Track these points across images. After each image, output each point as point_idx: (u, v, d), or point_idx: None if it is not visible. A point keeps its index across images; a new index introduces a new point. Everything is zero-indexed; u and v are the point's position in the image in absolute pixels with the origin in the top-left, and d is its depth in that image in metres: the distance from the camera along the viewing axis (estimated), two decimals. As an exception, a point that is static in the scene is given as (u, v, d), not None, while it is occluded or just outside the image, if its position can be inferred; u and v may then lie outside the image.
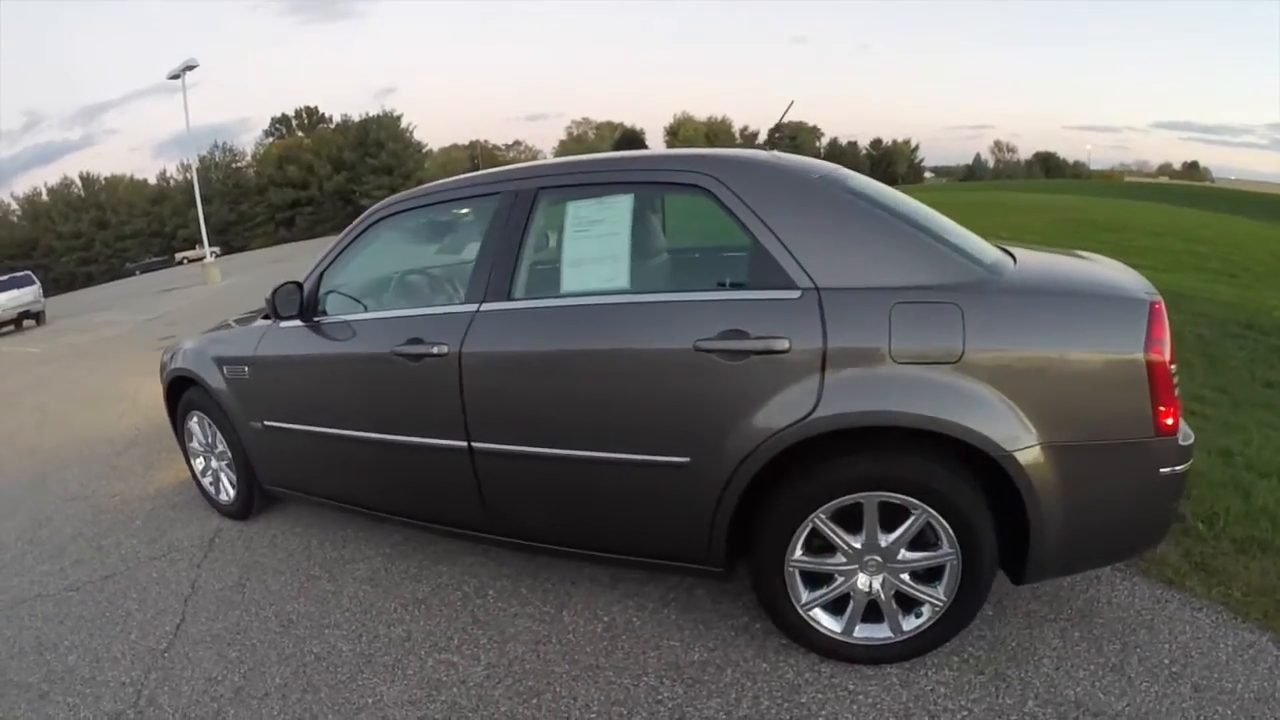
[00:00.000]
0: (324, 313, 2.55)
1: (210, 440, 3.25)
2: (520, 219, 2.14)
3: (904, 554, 1.82)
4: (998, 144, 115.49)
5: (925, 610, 1.87)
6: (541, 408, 2.06)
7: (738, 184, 1.91)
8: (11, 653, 2.48)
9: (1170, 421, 1.66)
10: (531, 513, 2.20)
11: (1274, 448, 3.23)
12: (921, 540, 1.81)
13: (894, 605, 1.88)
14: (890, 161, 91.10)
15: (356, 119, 65.21)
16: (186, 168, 61.26)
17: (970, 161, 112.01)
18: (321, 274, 2.56)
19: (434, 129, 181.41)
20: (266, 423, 2.79)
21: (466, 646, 2.17)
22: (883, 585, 1.87)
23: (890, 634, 1.90)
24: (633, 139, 79.29)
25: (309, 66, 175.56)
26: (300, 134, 68.33)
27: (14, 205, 61.68)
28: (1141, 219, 20.28)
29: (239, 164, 66.66)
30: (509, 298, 2.10)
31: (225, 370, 2.92)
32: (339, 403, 2.51)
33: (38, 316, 19.07)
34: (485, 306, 2.11)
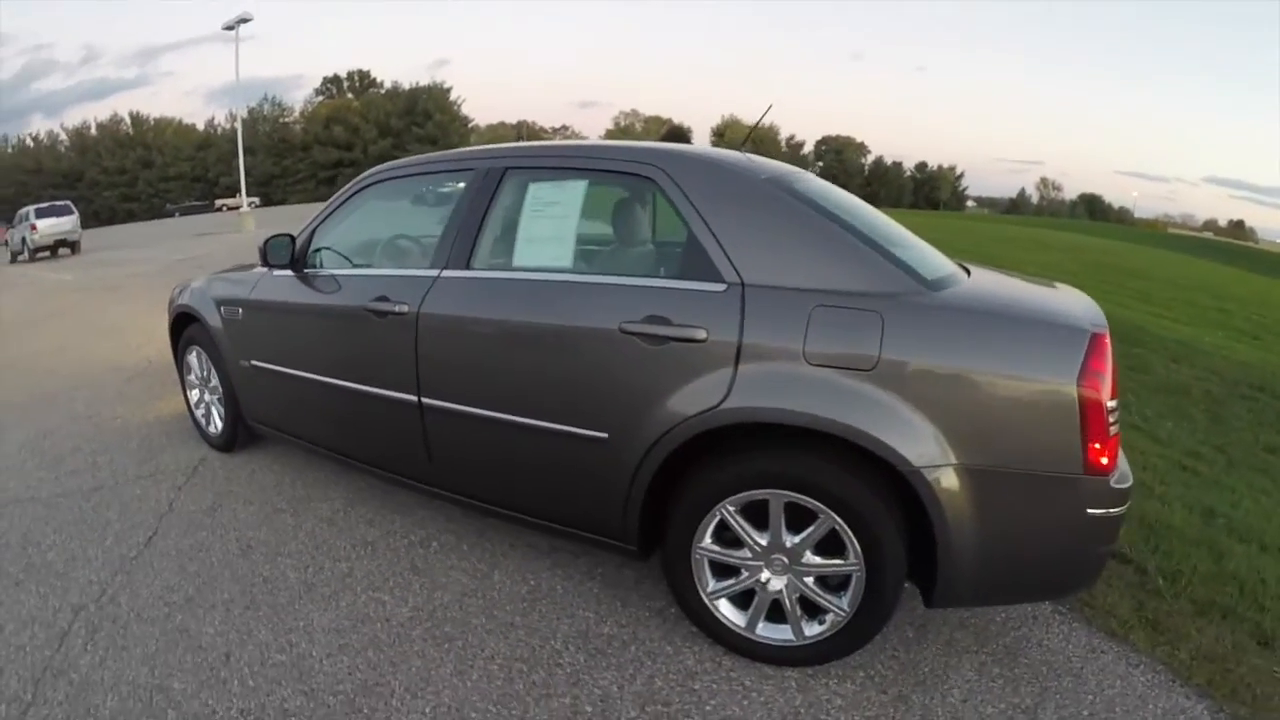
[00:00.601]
0: (313, 266, 2.76)
1: (205, 375, 3.50)
2: (486, 195, 2.30)
3: (809, 558, 1.84)
4: (1044, 181, 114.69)
5: (828, 619, 1.87)
6: (483, 371, 2.22)
7: (682, 178, 2.00)
8: (-2, 544, 2.75)
9: (1104, 461, 1.61)
10: (469, 470, 2.36)
11: (1261, 513, 3.19)
12: (831, 548, 1.80)
13: (797, 609, 1.89)
14: (933, 186, 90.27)
15: (407, 87, 66.11)
16: (234, 117, 62.59)
17: (1015, 195, 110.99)
18: (314, 230, 2.77)
19: (484, 105, 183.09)
20: (253, 362, 3.02)
21: (399, 589, 2.36)
22: (787, 586, 1.89)
23: (792, 637, 1.92)
24: (678, 136, 79.34)
25: (368, 31, 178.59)
26: (350, 96, 69.43)
27: (63, 136, 63.50)
28: (1174, 271, 19.98)
29: (286, 119, 67.92)
30: (468, 266, 2.26)
31: (222, 310, 3.16)
32: (315, 349, 2.72)
33: (73, 245, 19.80)
34: (446, 273, 2.28)
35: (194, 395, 3.67)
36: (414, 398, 2.32)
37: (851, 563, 1.78)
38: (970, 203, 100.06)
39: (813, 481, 1.76)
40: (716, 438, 1.84)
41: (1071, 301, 2.00)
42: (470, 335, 2.24)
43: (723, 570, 1.97)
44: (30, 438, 3.96)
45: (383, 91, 68.02)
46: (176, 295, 3.63)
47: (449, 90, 64.62)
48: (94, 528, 2.85)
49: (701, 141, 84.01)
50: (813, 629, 1.90)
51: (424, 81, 66.89)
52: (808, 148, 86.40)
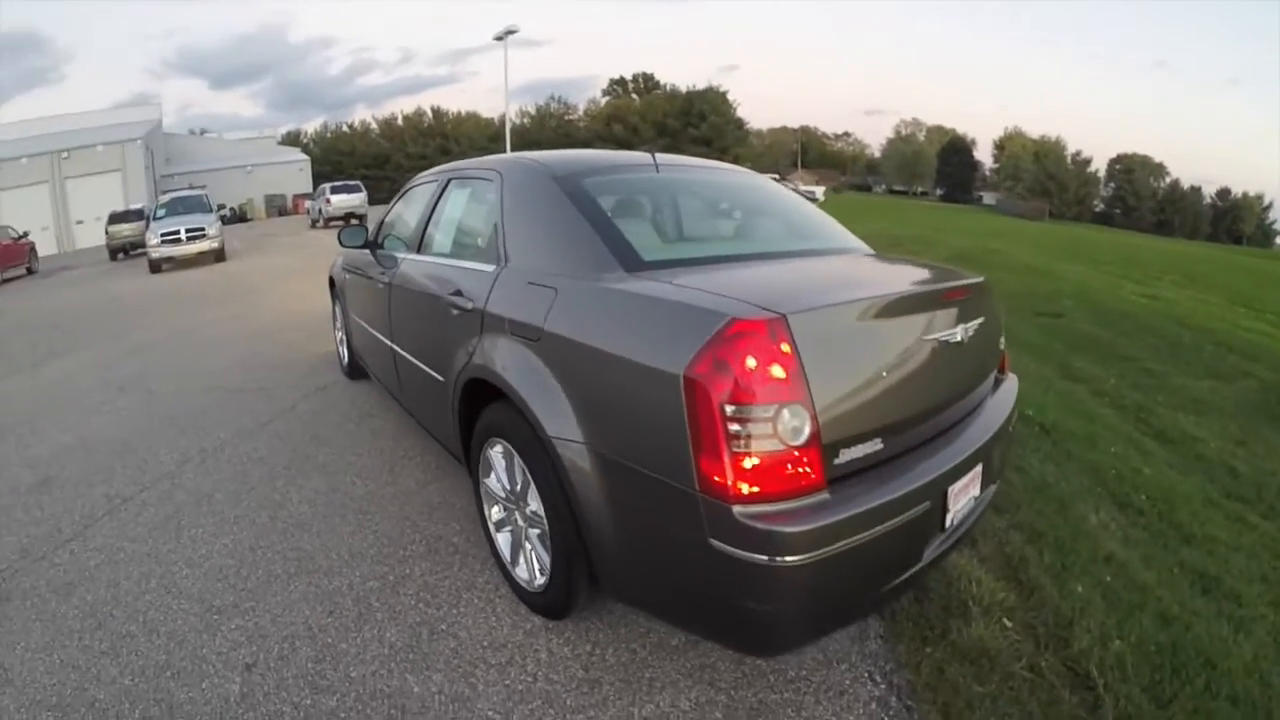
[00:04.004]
0: (380, 246, 4.16)
1: (341, 322, 5.17)
2: (435, 198, 3.19)
3: (529, 507, 2.14)
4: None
5: (547, 570, 2.13)
6: (408, 327, 3.17)
7: (506, 180, 2.52)
8: (173, 415, 4.60)
9: (718, 480, 1.46)
10: (410, 399, 3.43)
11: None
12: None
13: (532, 555, 2.22)
14: (1236, 218, 74.06)
15: (685, 90, 70.71)
16: (525, 113, 72.22)
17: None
18: (383, 220, 4.17)
19: (769, 109, 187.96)
20: (351, 313, 4.56)
21: (350, 453, 3.63)
22: (525, 532, 2.24)
23: (527, 579, 2.26)
24: (959, 148, 74.91)
25: (662, 36, 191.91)
26: (634, 97, 76.06)
27: (374, 125, 77.85)
28: None
29: (571, 117, 76.34)
30: (418, 251, 3.21)
31: (347, 275, 4.75)
32: (365, 305, 4.12)
33: (361, 218, 24.98)
34: (408, 255, 3.36)
35: (338, 336, 5.39)
36: (389, 343, 3.57)
37: (540, 515, 2.05)
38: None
39: (511, 434, 2.12)
40: (490, 389, 2.24)
41: (822, 279, 2.09)
42: (405, 302, 3.21)
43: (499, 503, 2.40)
44: (243, 355, 6.10)
45: (661, 93, 73.38)
46: (333, 265, 5.37)
47: (725, 93, 67.82)
48: (244, 410, 4.59)
49: (983, 153, 78.37)
50: (537, 580, 2.20)
51: (714, 84, 70.98)
52: (1096, 165, 75.77)
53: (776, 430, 1.47)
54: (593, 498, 1.79)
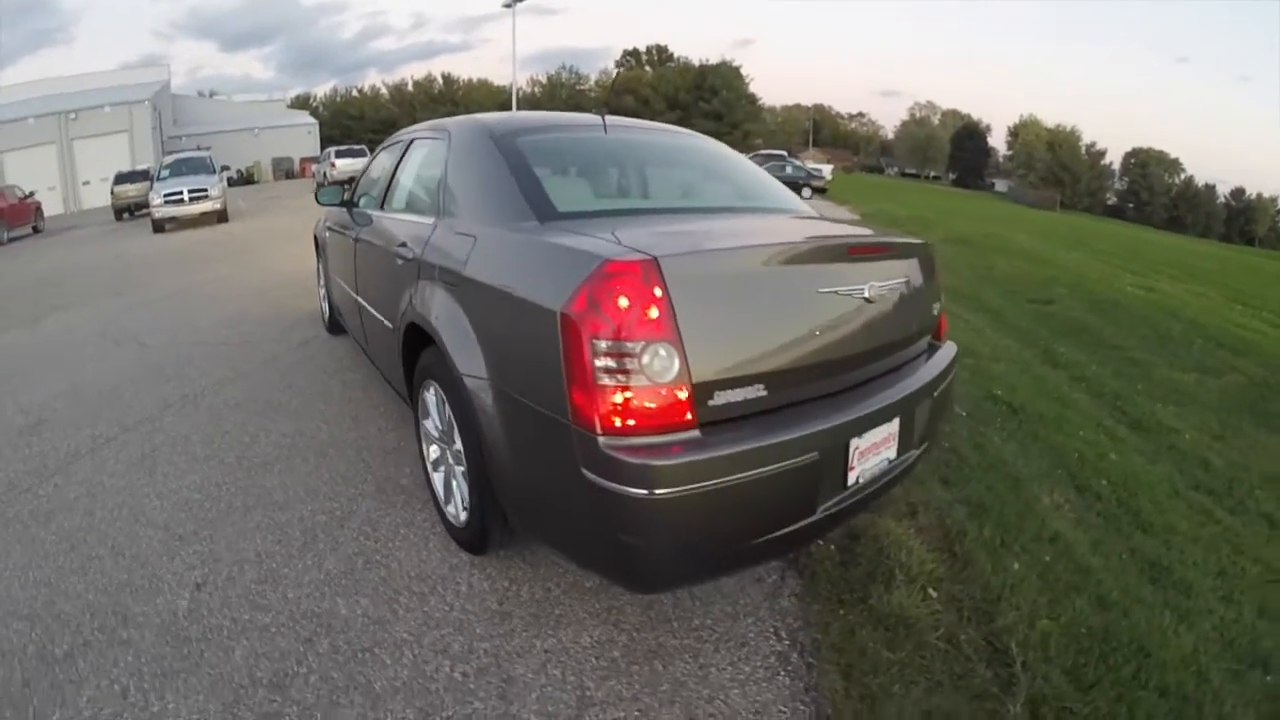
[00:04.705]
0: (355, 204, 4.31)
1: (323, 279, 5.37)
2: (399, 157, 3.33)
3: (456, 445, 2.24)
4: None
5: (467, 509, 2.28)
6: (368, 279, 3.37)
7: (453, 137, 2.66)
8: (161, 365, 4.84)
9: (589, 413, 1.56)
10: (371, 347, 3.59)
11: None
12: None
13: (457, 492, 2.34)
14: (1250, 219, 73.11)
15: (698, 64, 69.97)
16: (536, 83, 71.69)
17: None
18: (358, 179, 4.33)
19: (783, 86, 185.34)
20: (330, 270, 4.75)
21: (320, 401, 3.84)
22: (453, 470, 2.34)
23: (454, 515, 2.39)
24: (973, 133, 74.05)
25: (676, 7, 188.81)
26: (647, 69, 75.31)
27: (384, 90, 77.51)
28: None
29: (582, 87, 75.72)
30: (382, 208, 3.36)
31: (327, 234, 4.94)
32: (339, 261, 4.29)
33: (367, 183, 25.27)
34: (374, 212, 3.52)
35: (320, 293, 5.59)
36: (356, 296, 3.75)
37: (459, 450, 2.19)
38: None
39: (439, 376, 2.24)
40: (425, 334, 2.37)
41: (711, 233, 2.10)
42: (367, 255, 3.38)
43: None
44: (233, 314, 6.32)
45: (674, 66, 72.65)
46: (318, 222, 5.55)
47: (738, 68, 67.08)
48: (226, 361, 4.82)
49: (997, 139, 77.46)
50: (462, 515, 2.34)
51: (727, 58, 70.18)
52: (1110, 158, 74.64)
53: (643, 367, 1.55)
54: (494, 433, 1.93)
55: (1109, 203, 71.50)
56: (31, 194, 20.04)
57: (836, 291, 1.92)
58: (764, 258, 1.85)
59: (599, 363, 1.55)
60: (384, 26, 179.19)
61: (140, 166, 22.81)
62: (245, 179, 37.07)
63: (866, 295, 1.98)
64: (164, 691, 1.85)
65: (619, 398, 1.56)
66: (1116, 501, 3.23)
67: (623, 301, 1.55)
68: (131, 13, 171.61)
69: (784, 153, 32.16)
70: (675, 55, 75.09)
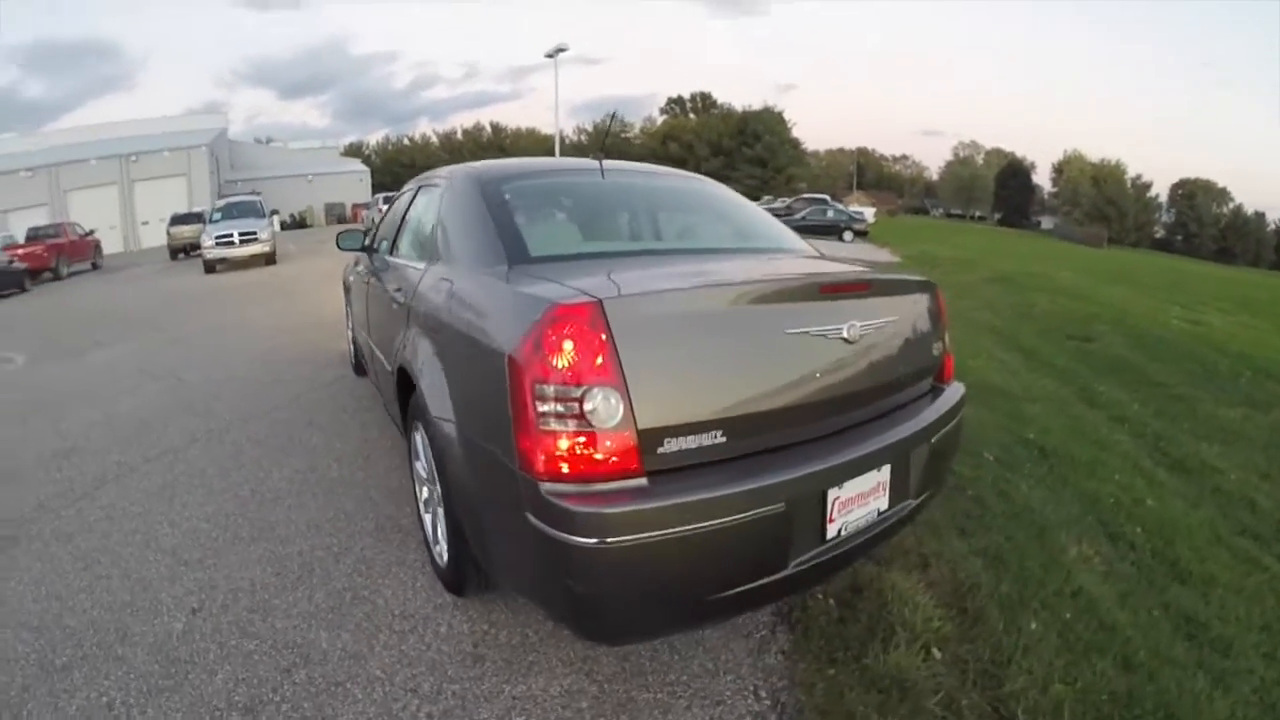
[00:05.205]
0: (374, 249, 4.51)
1: (349, 321, 5.60)
2: (408, 204, 3.43)
3: (438, 487, 2.23)
4: None
5: (448, 549, 2.31)
6: (376, 322, 3.56)
7: (449, 185, 2.72)
8: (192, 400, 5.08)
9: (533, 458, 1.57)
10: (380, 386, 3.69)
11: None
12: None
13: (442, 532, 2.34)
14: None
15: (740, 110, 71.31)
16: (581, 130, 73.63)
17: None
18: (379, 225, 4.55)
19: (826, 130, 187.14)
20: (353, 312, 4.97)
21: (337, 439, 3.99)
22: (438, 510, 2.33)
23: (439, 556, 2.41)
24: (1017, 171, 73.63)
25: (719, 55, 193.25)
26: (692, 116, 76.92)
27: (434, 138, 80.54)
28: None
29: (626, 134, 77.51)
30: (391, 253, 3.49)
31: (351, 277, 5.17)
32: (359, 303, 4.49)
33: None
34: (385, 257, 3.65)
35: (348, 335, 5.82)
36: (368, 337, 3.92)
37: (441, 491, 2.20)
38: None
39: (423, 418, 2.26)
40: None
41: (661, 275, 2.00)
42: (375, 299, 3.59)
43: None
44: (267, 351, 6.63)
45: (717, 113, 74.07)
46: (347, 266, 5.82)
47: (780, 113, 68.09)
48: (254, 398, 5.05)
49: (1042, 176, 76.71)
50: (445, 556, 2.36)
51: (770, 104, 71.51)
52: (1157, 189, 72.67)
53: (586, 412, 1.54)
54: (460, 476, 1.96)
55: (1156, 236, 69.69)
56: (91, 232, 21.18)
57: (808, 332, 1.86)
58: (723, 297, 1.81)
59: (542, 407, 1.55)
60: (434, 76, 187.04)
61: (195, 209, 23.94)
62: (298, 223, 38.52)
63: (845, 336, 1.92)
64: (146, 707, 1.96)
65: (563, 444, 1.55)
66: (1151, 551, 3.02)
67: (566, 345, 1.55)
68: (193, 61, 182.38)
69: (825, 197, 32.35)
70: (719, 102, 76.66)
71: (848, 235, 26.27)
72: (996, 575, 2.62)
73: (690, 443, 1.65)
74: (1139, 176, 72.40)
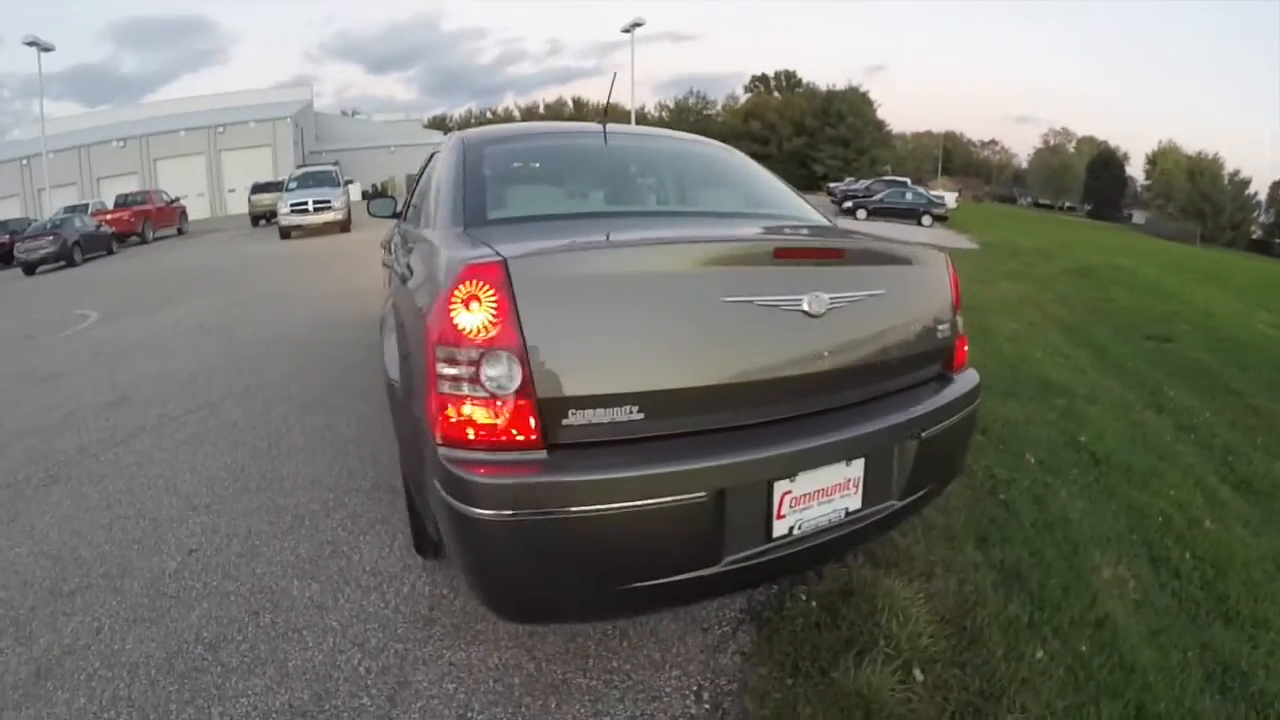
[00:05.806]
0: (403, 216, 4.66)
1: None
2: (422, 171, 3.50)
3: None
4: None
5: None
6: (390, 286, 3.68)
7: (443, 150, 2.71)
8: (239, 356, 5.37)
9: (434, 421, 1.53)
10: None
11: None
12: None
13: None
14: None
15: (824, 89, 69.66)
16: (664, 107, 73.30)
17: None
18: (410, 193, 4.70)
19: (914, 112, 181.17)
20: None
21: (359, 399, 4.17)
22: None
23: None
24: (1109, 161, 69.52)
25: (810, 34, 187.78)
26: (776, 94, 75.57)
27: (516, 113, 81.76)
28: None
29: (709, 112, 76.80)
30: (405, 220, 3.59)
31: (386, 249, 5.37)
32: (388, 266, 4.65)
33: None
34: (402, 223, 3.77)
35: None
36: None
37: None
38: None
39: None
40: None
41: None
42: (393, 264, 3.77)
43: None
44: (321, 311, 6.96)
45: (802, 91, 72.57)
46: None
47: (865, 93, 66.26)
48: (296, 358, 5.34)
49: (1135, 168, 72.74)
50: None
51: (854, 84, 69.63)
52: (1255, 187, 66.32)
53: (479, 376, 1.46)
54: (403, 435, 1.99)
55: (1254, 236, 64.41)
56: (177, 199, 22.45)
57: (752, 302, 1.66)
58: (648, 259, 1.69)
59: (443, 370, 1.50)
60: (520, 52, 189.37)
61: (278, 179, 25.05)
62: (380, 193, 39.73)
63: (806, 309, 1.71)
64: (128, 634, 2.15)
65: (464, 409, 1.48)
66: (1199, 581, 2.63)
67: (468, 306, 1.48)
68: (285, 35, 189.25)
69: (905, 180, 31.53)
70: (804, 81, 75.05)
71: (926, 220, 25.55)
72: (1008, 592, 2.32)
73: (600, 417, 1.53)
74: (1237, 172, 67.05)
